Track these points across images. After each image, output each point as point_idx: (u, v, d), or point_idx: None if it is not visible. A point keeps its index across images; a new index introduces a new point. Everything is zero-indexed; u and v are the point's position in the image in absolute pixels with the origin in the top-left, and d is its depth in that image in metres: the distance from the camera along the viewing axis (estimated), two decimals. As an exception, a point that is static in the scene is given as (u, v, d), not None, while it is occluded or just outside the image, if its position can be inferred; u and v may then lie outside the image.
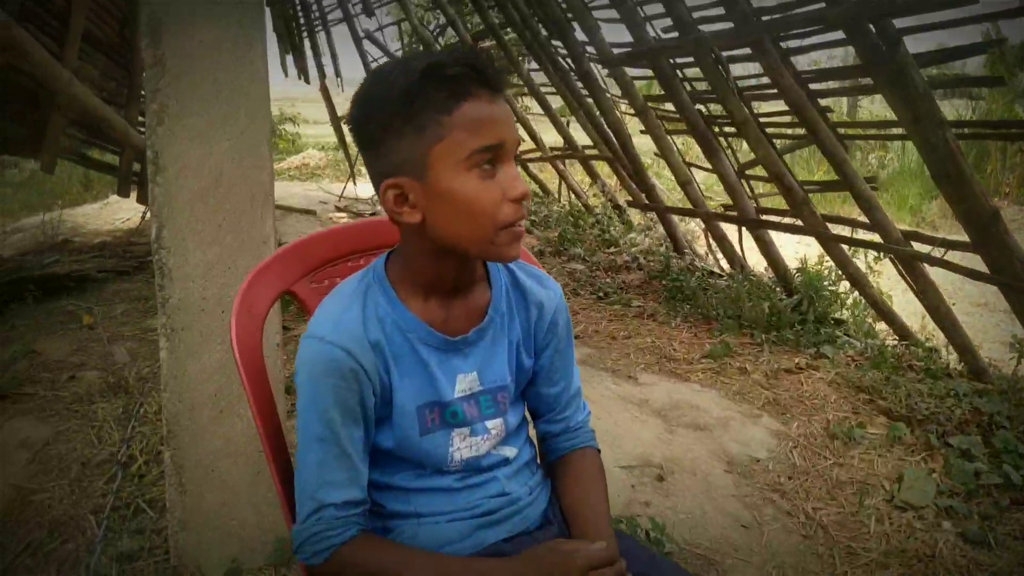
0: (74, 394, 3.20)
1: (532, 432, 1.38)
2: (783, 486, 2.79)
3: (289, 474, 1.20)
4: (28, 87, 4.74)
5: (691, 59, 4.60)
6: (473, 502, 1.23)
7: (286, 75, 12.43)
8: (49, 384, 3.31)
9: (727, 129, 5.12)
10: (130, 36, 5.47)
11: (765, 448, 3.04)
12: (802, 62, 4.21)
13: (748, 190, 5.09)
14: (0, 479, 2.60)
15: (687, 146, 7.97)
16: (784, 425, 3.22)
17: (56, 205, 8.42)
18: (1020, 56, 12.04)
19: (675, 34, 4.50)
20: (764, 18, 3.68)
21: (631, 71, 5.63)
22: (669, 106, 5.44)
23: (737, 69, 4.47)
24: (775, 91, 4.09)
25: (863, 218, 4.17)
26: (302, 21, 10.92)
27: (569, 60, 6.48)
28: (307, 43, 11.28)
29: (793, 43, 3.89)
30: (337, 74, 10.79)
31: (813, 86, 4.02)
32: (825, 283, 4.56)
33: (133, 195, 6.43)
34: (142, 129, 2.11)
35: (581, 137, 8.17)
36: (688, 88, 5.01)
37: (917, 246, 3.87)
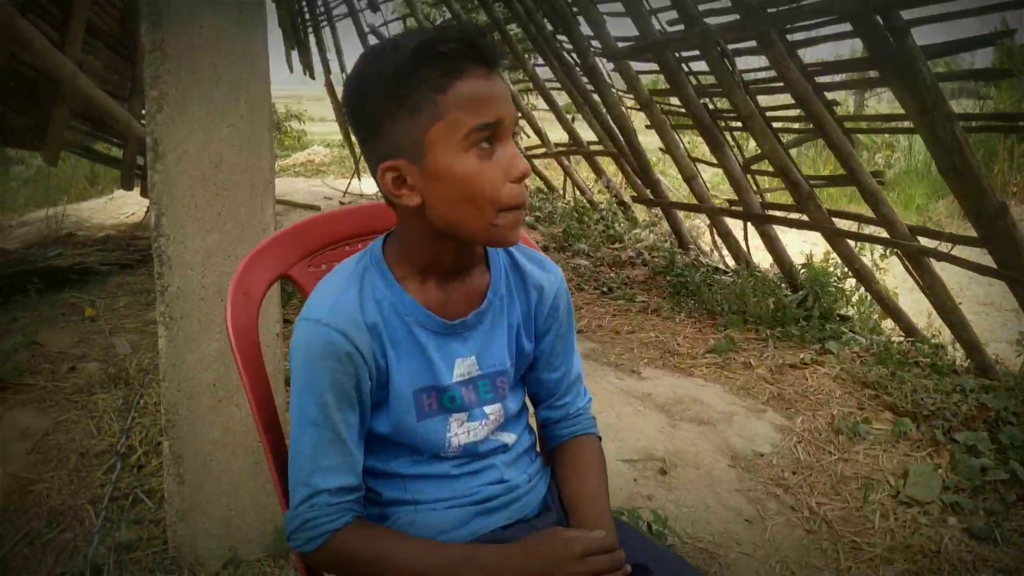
0: (74, 385, 3.19)
1: (532, 419, 1.36)
2: (787, 481, 2.77)
3: (285, 461, 1.18)
4: (31, 78, 4.73)
5: (697, 52, 4.57)
6: (471, 489, 1.21)
7: (291, 71, 12.46)
8: (50, 375, 3.30)
9: (733, 124, 5.09)
10: (133, 27, 5.46)
11: (769, 443, 3.02)
12: (808, 59, 4.17)
13: (754, 185, 5.07)
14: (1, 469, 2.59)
15: (693, 145, 7.94)
16: (788, 420, 3.20)
17: (61, 200, 8.43)
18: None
19: (681, 27, 4.48)
20: (770, 10, 3.65)
21: (637, 66, 5.61)
22: (675, 101, 5.42)
23: (743, 63, 4.45)
24: (781, 84, 4.06)
25: (870, 215, 4.14)
26: (307, 17, 10.93)
27: (574, 55, 6.46)
28: (312, 39, 11.29)
29: (800, 36, 3.86)
30: (342, 70, 10.80)
31: (819, 79, 3.99)
32: (831, 279, 4.53)
33: (137, 189, 6.43)
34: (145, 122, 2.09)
35: (586, 134, 8.15)
36: (694, 82, 4.98)
37: (924, 241, 3.84)
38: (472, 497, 1.20)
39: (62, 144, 5.21)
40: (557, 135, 9.14)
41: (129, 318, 4.23)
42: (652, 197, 6.35)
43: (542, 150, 9.07)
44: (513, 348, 1.25)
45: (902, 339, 4.29)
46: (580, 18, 5.73)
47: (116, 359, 3.47)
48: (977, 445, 2.90)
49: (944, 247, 3.54)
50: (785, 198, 4.92)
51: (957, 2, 2.84)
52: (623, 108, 6.31)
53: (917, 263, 3.87)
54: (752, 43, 4.04)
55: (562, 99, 8.39)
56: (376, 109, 1.05)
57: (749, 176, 5.03)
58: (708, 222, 6.03)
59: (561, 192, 9.48)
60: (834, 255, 4.58)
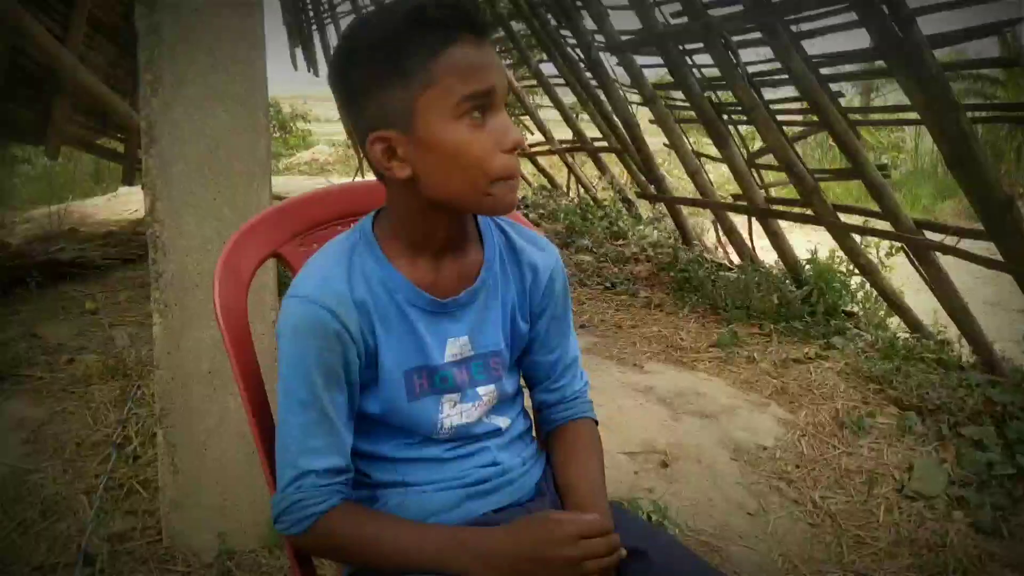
0: (72, 376, 3.17)
1: (529, 404, 1.33)
2: (790, 474, 2.74)
3: (272, 438, 1.15)
4: (33, 72, 4.72)
5: (701, 45, 4.54)
6: (463, 471, 1.18)
7: (295, 68, 12.45)
8: (47, 366, 3.29)
9: (737, 118, 5.05)
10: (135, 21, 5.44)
11: (772, 436, 2.99)
12: (815, 51, 4.14)
13: (758, 180, 5.03)
14: (-5, 458, 2.58)
15: (699, 145, 7.93)
16: (792, 414, 3.16)
17: (67, 198, 8.45)
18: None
19: (685, 19, 4.45)
20: (774, 0, 3.62)
21: (642, 61, 5.58)
22: (679, 96, 5.38)
23: (748, 56, 4.41)
24: (786, 77, 4.03)
25: (876, 210, 4.10)
26: (311, 14, 10.91)
27: (578, 50, 6.43)
28: (316, 36, 11.28)
29: (805, 27, 3.81)
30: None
31: (824, 71, 3.95)
32: (836, 275, 4.49)
33: (139, 183, 6.43)
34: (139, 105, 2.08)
35: (591, 132, 8.12)
36: (698, 75, 4.94)
37: (930, 236, 3.80)
38: (464, 479, 1.17)
39: (64, 137, 5.19)
40: (562, 134, 9.12)
41: (129, 311, 4.21)
42: (656, 193, 6.31)
43: (546, 147, 9.05)
44: (508, 328, 1.22)
45: (908, 335, 4.25)
46: (584, 12, 5.70)
47: (115, 351, 3.45)
48: (983, 439, 2.86)
49: (950, 242, 3.50)
50: (790, 193, 4.89)
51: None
52: (627, 103, 6.28)
53: (923, 258, 3.83)
54: (756, 35, 4.01)
55: (567, 99, 8.37)
56: (365, 76, 1.02)
57: (753, 171, 4.99)
58: (712, 218, 5.99)
59: (565, 190, 9.45)
60: (840, 252, 4.54)
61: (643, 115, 6.51)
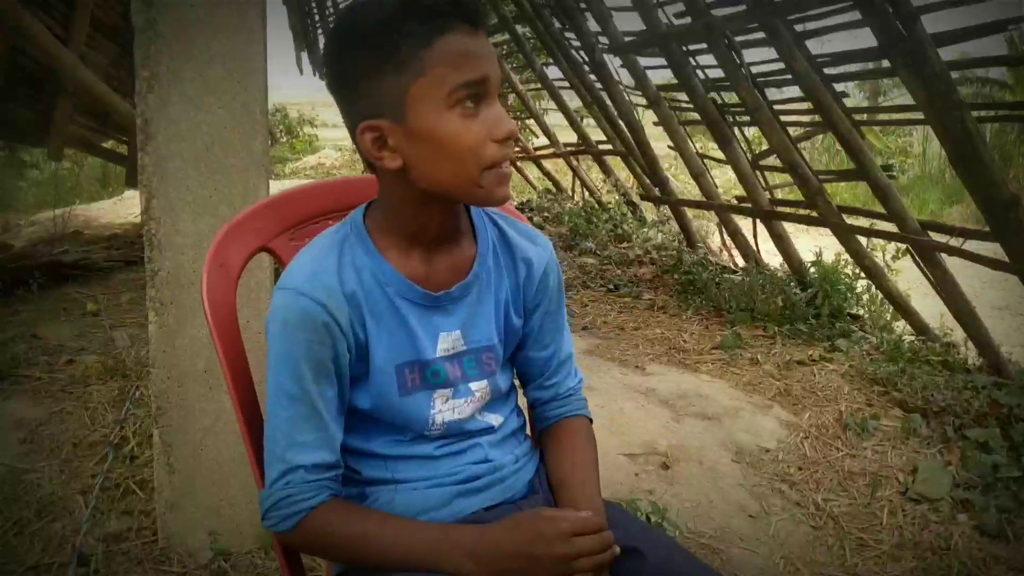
0: (71, 376, 3.16)
1: (522, 402, 1.31)
2: (792, 477, 2.71)
3: (261, 434, 1.13)
4: (34, 72, 4.72)
5: (704, 46, 4.52)
6: (454, 468, 1.16)
7: (301, 72, 12.50)
8: (47, 367, 3.28)
9: (741, 119, 5.03)
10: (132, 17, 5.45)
11: (775, 438, 2.96)
12: (818, 51, 4.12)
13: (763, 182, 5.00)
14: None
15: (705, 149, 7.92)
16: (795, 416, 3.14)
17: (73, 202, 8.46)
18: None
19: (688, 20, 4.43)
20: (777, 0, 3.60)
21: (646, 63, 5.56)
22: (683, 98, 5.37)
23: (751, 56, 4.39)
24: (789, 77, 4.00)
25: (881, 211, 4.07)
26: (317, 18, 10.93)
27: (582, 52, 6.42)
28: (321, 39, 11.30)
29: (808, 26, 3.79)
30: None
31: (828, 70, 3.93)
32: (841, 277, 4.46)
33: (142, 185, 6.42)
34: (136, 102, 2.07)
35: (596, 135, 8.11)
36: (701, 76, 4.92)
37: (935, 238, 3.77)
38: (455, 476, 1.16)
39: (66, 138, 5.20)
40: (567, 137, 9.12)
41: (131, 313, 4.20)
42: (660, 195, 6.29)
43: (551, 151, 9.04)
44: (501, 324, 1.20)
45: (913, 337, 4.22)
46: (587, 14, 5.69)
47: (115, 352, 3.44)
48: (989, 442, 2.83)
49: (956, 243, 3.47)
50: (795, 195, 4.86)
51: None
52: (631, 106, 6.26)
53: (929, 259, 3.80)
54: (760, 35, 3.99)
55: (573, 103, 8.37)
56: (357, 64, 1.01)
57: (758, 172, 4.97)
58: (717, 221, 5.97)
59: (570, 193, 9.44)
60: (845, 254, 4.51)
61: (648, 118, 6.49)
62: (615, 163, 8.36)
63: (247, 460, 2.14)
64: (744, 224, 5.59)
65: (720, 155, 5.18)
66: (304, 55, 11.77)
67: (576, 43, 6.50)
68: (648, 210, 7.70)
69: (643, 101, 5.86)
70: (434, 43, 0.97)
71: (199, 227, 2.04)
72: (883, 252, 4.45)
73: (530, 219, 7.80)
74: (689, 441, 2.90)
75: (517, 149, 9.63)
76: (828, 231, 4.54)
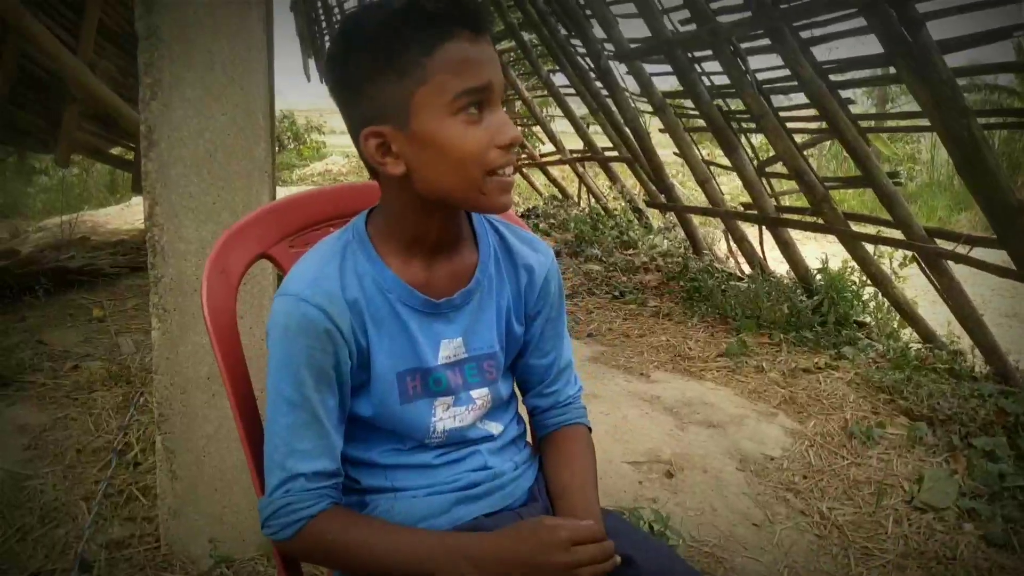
0: (75, 383, 3.16)
1: (523, 409, 1.31)
2: (797, 485, 2.69)
3: (260, 444, 1.13)
4: (42, 79, 4.74)
5: (710, 53, 4.52)
6: (453, 475, 1.16)
7: (308, 79, 12.53)
8: (52, 372, 3.28)
9: (747, 126, 5.02)
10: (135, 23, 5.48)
11: (780, 446, 2.94)
12: (824, 58, 4.11)
13: (768, 188, 4.99)
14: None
15: (712, 156, 7.91)
16: (800, 424, 3.12)
17: (82, 208, 8.50)
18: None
19: (693, 27, 4.43)
20: (783, 6, 3.59)
21: (652, 70, 5.56)
22: (689, 104, 5.36)
23: (757, 63, 4.39)
24: (795, 84, 4.00)
25: (887, 218, 4.05)
26: (324, 24, 10.97)
27: (588, 59, 6.42)
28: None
29: (818, 31, 3.79)
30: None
31: (834, 77, 3.92)
32: (847, 284, 4.45)
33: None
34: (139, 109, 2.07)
35: (601, 142, 8.11)
36: (707, 83, 4.92)
37: (942, 245, 3.75)
38: (454, 484, 1.15)
39: (74, 144, 5.22)
40: (573, 144, 9.12)
41: (136, 319, 4.21)
42: (666, 202, 6.28)
43: (557, 157, 9.04)
44: (502, 331, 1.20)
45: (920, 345, 4.20)
46: (593, 21, 5.69)
47: (119, 358, 3.44)
48: (995, 450, 2.81)
49: (962, 250, 3.45)
50: (801, 202, 4.85)
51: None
52: (637, 112, 6.26)
53: (935, 267, 3.78)
54: (765, 42, 3.98)
55: (579, 110, 8.38)
56: (360, 71, 1.00)
57: (764, 179, 4.96)
58: (723, 227, 5.96)
59: (576, 200, 9.44)
60: (852, 261, 4.49)
61: (654, 125, 6.49)
62: (621, 170, 8.36)
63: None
64: (750, 231, 5.57)
65: (726, 162, 5.17)
66: (311, 62, 11.81)
67: (582, 50, 6.51)
68: (654, 217, 7.69)
69: (649, 108, 5.86)
70: (436, 50, 0.97)
71: (202, 233, 2.04)
72: (890, 259, 4.43)
73: (536, 225, 7.83)
74: (693, 449, 2.89)
75: (524, 156, 9.64)
76: (835, 238, 4.52)
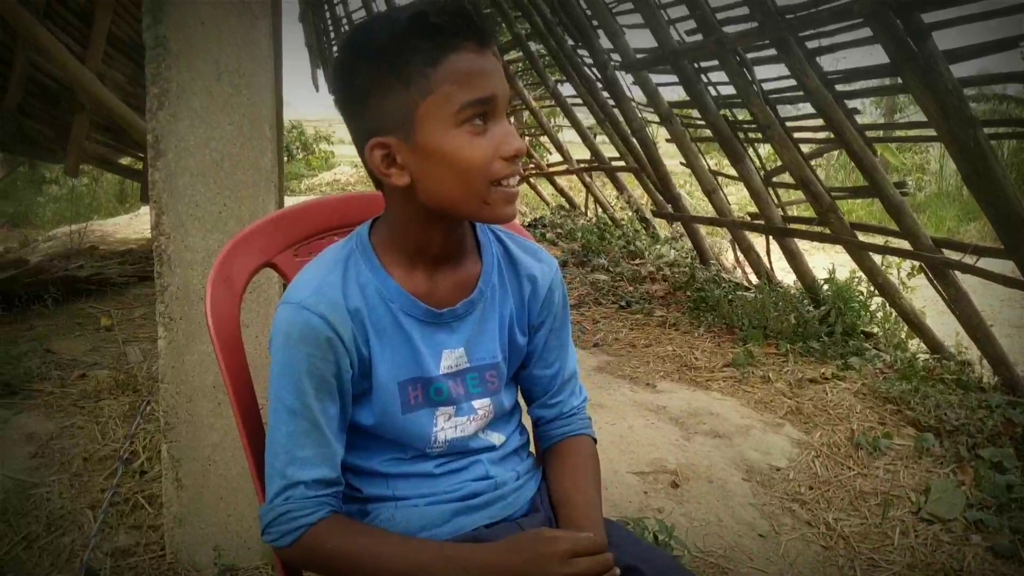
0: (82, 391, 3.17)
1: (526, 420, 1.31)
2: (803, 496, 2.68)
3: (263, 452, 1.13)
4: (51, 88, 4.77)
5: (716, 63, 4.52)
6: (454, 485, 1.16)
7: (317, 89, 12.61)
8: (59, 381, 3.30)
9: (753, 135, 5.02)
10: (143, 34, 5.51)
11: (786, 457, 2.93)
12: (831, 68, 4.10)
13: (775, 199, 4.98)
14: (2, 472, 2.57)
15: (720, 166, 7.92)
16: (807, 434, 3.11)
17: (91, 217, 8.55)
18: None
19: (699, 37, 4.44)
20: (789, 16, 3.60)
21: (658, 80, 5.56)
22: (695, 115, 5.37)
23: (763, 73, 4.39)
24: (801, 94, 4.00)
25: (894, 228, 4.04)
26: (332, 35, 11.02)
27: (595, 69, 6.44)
28: (337, 56, 11.39)
29: (826, 41, 3.78)
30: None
31: (840, 87, 3.92)
32: (855, 295, 4.43)
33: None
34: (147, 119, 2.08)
35: (608, 152, 8.13)
36: (713, 93, 4.92)
37: (949, 255, 3.74)
38: (455, 493, 1.15)
39: (83, 154, 5.25)
40: (580, 154, 9.14)
41: (144, 328, 4.23)
42: (673, 212, 6.28)
43: (564, 167, 9.06)
44: (505, 341, 1.20)
45: (928, 356, 4.18)
46: (600, 31, 5.71)
47: (127, 367, 3.46)
48: (1003, 461, 2.80)
49: (970, 260, 3.43)
50: (808, 212, 4.84)
51: (982, 3, 2.78)
52: (643, 122, 6.27)
53: (942, 277, 3.76)
54: (771, 52, 3.98)
55: (586, 120, 8.40)
56: (365, 82, 1.01)
57: (770, 189, 4.95)
58: (730, 237, 5.95)
59: (583, 209, 9.45)
60: (859, 272, 4.48)
61: (661, 135, 6.49)
62: (628, 180, 8.38)
63: (255, 476, 2.15)
64: (757, 241, 5.57)
65: (733, 172, 5.17)
66: (320, 72, 11.87)
67: (589, 60, 6.53)
68: (661, 227, 7.70)
69: (655, 118, 5.86)
70: (442, 61, 0.97)
71: (208, 243, 2.05)
72: (898, 269, 4.41)
73: (543, 235, 7.83)
74: (699, 459, 2.88)
75: (531, 166, 9.65)
76: (842, 248, 4.51)
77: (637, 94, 5.92)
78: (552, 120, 10.10)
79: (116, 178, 11.39)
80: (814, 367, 3.82)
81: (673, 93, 6.08)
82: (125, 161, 7.14)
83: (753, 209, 5.14)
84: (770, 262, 5.43)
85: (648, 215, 7.81)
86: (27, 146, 5.34)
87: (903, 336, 4.46)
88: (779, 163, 4.66)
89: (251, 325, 2.07)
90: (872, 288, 4.41)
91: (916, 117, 6.27)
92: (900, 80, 3.24)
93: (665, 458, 2.86)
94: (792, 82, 4.06)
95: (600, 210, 8.81)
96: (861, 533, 2.48)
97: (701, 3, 4.24)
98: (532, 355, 1.25)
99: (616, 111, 6.53)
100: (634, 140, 6.42)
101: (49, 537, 2.27)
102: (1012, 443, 2.94)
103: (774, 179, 4.97)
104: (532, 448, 1.31)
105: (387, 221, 1.13)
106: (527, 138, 9.85)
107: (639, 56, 5.25)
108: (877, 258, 4.31)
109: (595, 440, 1.31)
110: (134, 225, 8.79)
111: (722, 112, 4.92)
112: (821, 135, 4.69)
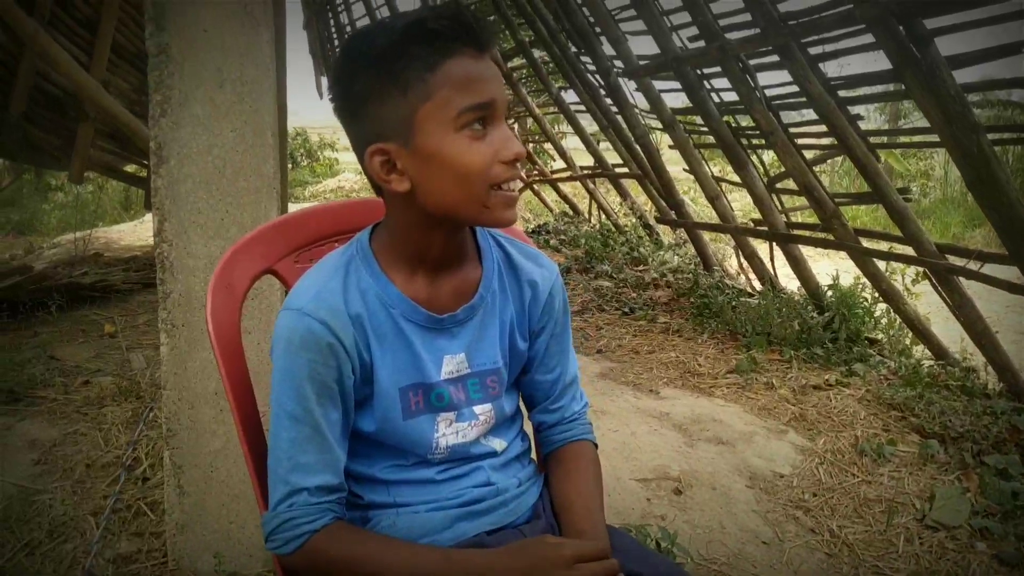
0: (86, 398, 3.18)
1: (528, 426, 1.31)
2: (807, 503, 2.67)
3: (263, 458, 1.13)
4: (57, 96, 4.79)
5: (719, 69, 4.52)
6: (456, 491, 1.16)
7: (321, 97, 12.60)
8: (63, 388, 3.30)
9: (756, 142, 5.01)
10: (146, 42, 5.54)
11: (789, 464, 2.92)
12: (834, 74, 4.10)
13: (779, 205, 4.98)
14: (4, 478, 2.57)
15: (724, 173, 7.90)
16: (810, 441, 3.10)
17: (96, 224, 8.56)
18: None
19: (702, 43, 4.44)
20: (791, 22, 3.60)
21: (661, 86, 5.57)
22: (699, 121, 5.36)
23: (765, 79, 4.39)
24: (804, 100, 3.99)
25: (898, 234, 4.03)
26: (336, 42, 11.05)
27: (598, 76, 6.44)
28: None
29: (829, 47, 3.79)
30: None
31: (843, 93, 3.91)
32: (859, 301, 4.42)
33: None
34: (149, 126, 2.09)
35: (612, 158, 8.13)
36: (716, 100, 4.92)
37: (953, 261, 3.72)
38: (457, 500, 1.15)
39: (87, 163, 5.26)
40: (583, 160, 9.14)
41: (148, 335, 4.23)
42: (676, 218, 6.28)
43: (568, 174, 9.07)
44: (506, 347, 1.20)
45: (932, 362, 4.16)
46: (603, 39, 5.71)
47: (130, 373, 3.46)
48: (1008, 468, 2.78)
49: (974, 266, 3.42)
50: (812, 218, 4.83)
51: (983, 10, 2.77)
52: (647, 128, 6.27)
53: (946, 283, 3.75)
54: (774, 58, 3.98)
55: (590, 127, 8.40)
56: (364, 88, 1.01)
57: (774, 195, 4.94)
58: (733, 244, 5.94)
59: (587, 216, 9.45)
60: (863, 278, 4.47)
61: (664, 141, 6.49)
62: (631, 186, 8.37)
63: (257, 482, 2.15)
64: (761, 247, 5.56)
65: (736, 178, 5.16)
66: (324, 80, 11.89)
67: (592, 67, 6.53)
68: (664, 233, 7.69)
69: (658, 124, 5.86)
70: (439, 67, 0.98)
71: (210, 250, 2.05)
72: (902, 276, 4.40)
73: (547, 242, 7.83)
74: (702, 466, 2.87)
75: (535, 172, 9.66)
76: (846, 254, 4.50)
77: (640, 101, 5.92)
78: (556, 127, 10.11)
79: (121, 185, 11.42)
80: (818, 373, 3.81)
81: (676, 99, 6.09)
82: (130, 169, 7.15)
83: (756, 215, 5.13)
84: (774, 268, 5.42)
85: (651, 221, 7.80)
86: (32, 153, 5.36)
87: (907, 342, 4.44)
88: (782, 169, 4.65)
89: (252, 331, 2.07)
90: (876, 294, 4.40)
91: (920, 123, 6.26)
92: (903, 86, 3.24)
93: (668, 465, 2.85)
94: (795, 88, 4.06)
95: (604, 216, 8.80)
96: (865, 540, 2.47)
97: (704, 9, 4.24)
98: (533, 360, 1.25)
99: (619, 118, 6.53)
100: (637, 147, 6.42)
101: (51, 544, 2.27)
102: (1017, 450, 2.93)
103: (777, 185, 4.96)
104: (533, 455, 1.31)
105: (387, 227, 1.13)
106: (531, 145, 9.87)
107: (642, 63, 5.25)
108: (881, 264, 4.30)
109: (596, 445, 1.31)
110: (138, 232, 8.80)
111: (725, 118, 4.92)
112: (824, 141, 4.68)
